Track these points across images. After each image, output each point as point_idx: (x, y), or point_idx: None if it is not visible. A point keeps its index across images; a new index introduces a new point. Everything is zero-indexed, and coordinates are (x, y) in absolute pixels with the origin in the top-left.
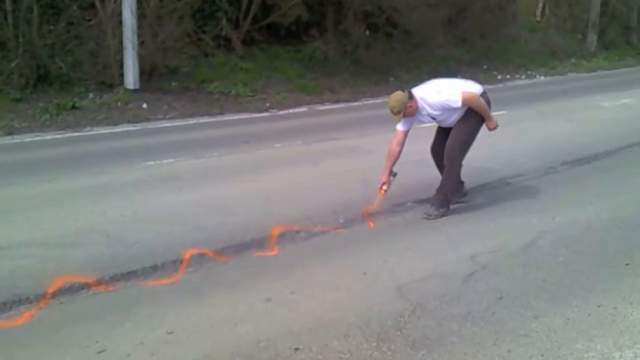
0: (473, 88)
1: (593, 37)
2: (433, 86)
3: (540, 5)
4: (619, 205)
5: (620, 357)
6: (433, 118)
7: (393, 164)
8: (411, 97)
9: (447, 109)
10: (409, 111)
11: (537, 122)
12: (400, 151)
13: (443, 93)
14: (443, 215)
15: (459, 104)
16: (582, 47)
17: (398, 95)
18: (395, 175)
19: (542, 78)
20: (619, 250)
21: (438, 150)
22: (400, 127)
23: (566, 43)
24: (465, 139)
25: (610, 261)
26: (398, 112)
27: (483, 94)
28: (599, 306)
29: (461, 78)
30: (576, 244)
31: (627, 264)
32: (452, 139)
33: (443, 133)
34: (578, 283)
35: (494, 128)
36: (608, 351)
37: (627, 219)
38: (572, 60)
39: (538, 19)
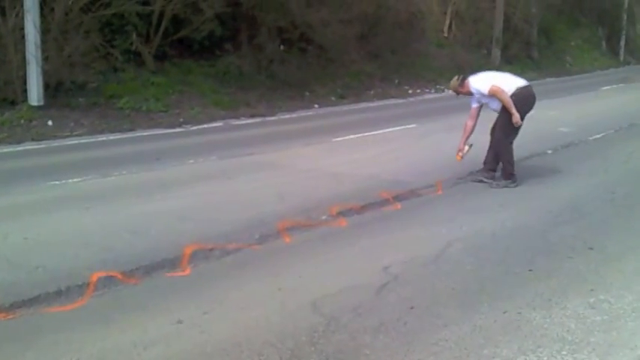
0: (509, 83)
1: (497, 52)
2: (482, 76)
3: (447, 22)
4: (522, 214)
5: None
6: (479, 101)
7: (468, 136)
8: (463, 81)
9: (483, 95)
10: (461, 92)
11: (447, 135)
12: (474, 124)
13: (481, 81)
14: (506, 186)
15: (485, 92)
16: (487, 62)
17: (453, 79)
18: (471, 145)
19: (451, 92)
20: (522, 256)
21: (493, 132)
22: (472, 104)
23: (472, 58)
24: (507, 125)
25: (514, 267)
26: (454, 91)
27: (522, 89)
28: (504, 312)
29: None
30: (483, 252)
31: (530, 270)
32: (498, 125)
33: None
34: (485, 290)
35: (514, 123)
36: (513, 356)
37: (529, 227)
38: None
39: (445, 35)
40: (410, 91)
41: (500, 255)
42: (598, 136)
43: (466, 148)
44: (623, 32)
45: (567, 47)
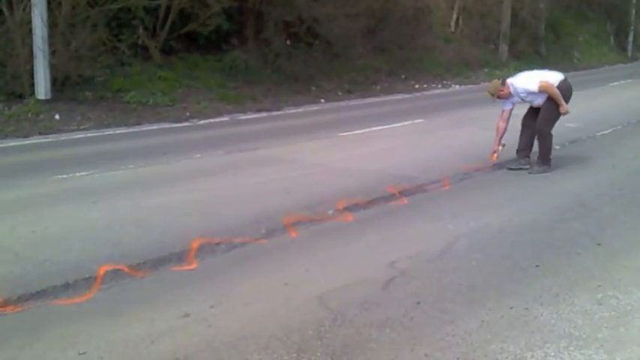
0: (551, 78)
1: (504, 48)
2: (523, 76)
3: (454, 16)
4: (529, 209)
5: (532, 357)
6: (523, 100)
7: (501, 137)
8: (503, 83)
9: (530, 93)
10: (502, 94)
11: (453, 130)
12: (506, 127)
13: (527, 81)
14: (544, 172)
15: (535, 90)
16: (494, 57)
17: (493, 82)
18: (504, 145)
19: (457, 87)
20: (529, 252)
21: (526, 121)
22: (505, 106)
23: (479, 54)
24: (549, 116)
25: (521, 263)
26: (493, 95)
27: (563, 82)
28: (511, 307)
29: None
30: (489, 247)
31: (537, 265)
32: (540, 116)
33: (532, 109)
34: (492, 286)
35: (563, 114)
36: (520, 351)
37: (536, 222)
38: (485, 69)
39: (452, 30)
40: (417, 86)
41: (507, 250)
42: (606, 132)
43: (500, 148)
44: (632, 27)
45: (575, 42)
